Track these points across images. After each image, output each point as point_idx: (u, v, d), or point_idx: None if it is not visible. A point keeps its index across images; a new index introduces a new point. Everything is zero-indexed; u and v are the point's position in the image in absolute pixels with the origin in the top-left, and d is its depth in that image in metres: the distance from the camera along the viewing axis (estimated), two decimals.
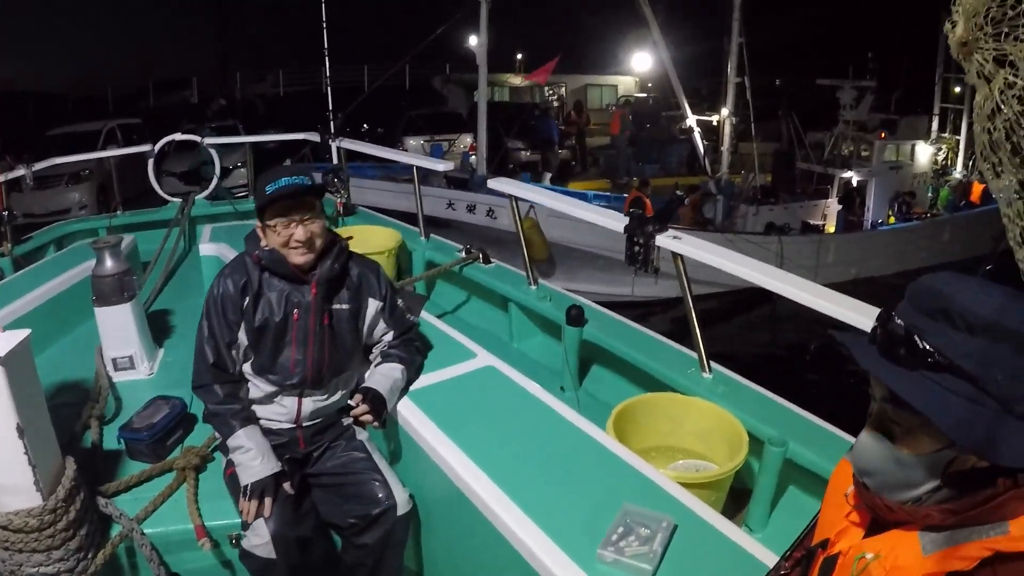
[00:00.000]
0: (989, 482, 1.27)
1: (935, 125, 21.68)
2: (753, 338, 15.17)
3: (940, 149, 21.48)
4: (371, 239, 5.69)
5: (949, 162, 21.89)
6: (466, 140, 20.93)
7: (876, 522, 1.44)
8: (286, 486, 3.05)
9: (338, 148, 7.35)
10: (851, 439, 3.36)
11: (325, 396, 3.25)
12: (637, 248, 4.04)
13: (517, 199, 5.27)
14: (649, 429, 3.74)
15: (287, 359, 3.14)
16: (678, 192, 16.55)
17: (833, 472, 1.66)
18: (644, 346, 4.32)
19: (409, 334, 3.49)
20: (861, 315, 3.03)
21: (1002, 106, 1.04)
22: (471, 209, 14.46)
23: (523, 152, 20.71)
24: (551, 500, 2.74)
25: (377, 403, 3.16)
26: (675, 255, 3.90)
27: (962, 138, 21.63)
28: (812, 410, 3.71)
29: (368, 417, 3.13)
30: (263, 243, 3.13)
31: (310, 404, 3.22)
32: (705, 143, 18.84)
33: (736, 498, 3.68)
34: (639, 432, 3.70)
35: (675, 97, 18.37)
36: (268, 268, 3.12)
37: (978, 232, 18.49)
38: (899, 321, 1.29)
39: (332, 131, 7.85)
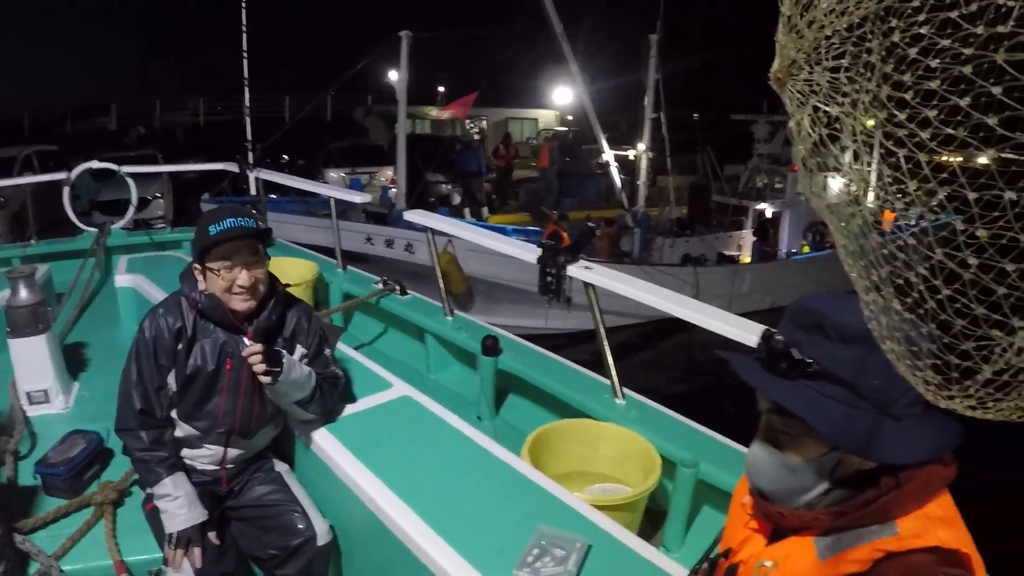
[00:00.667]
0: (873, 483, 1.36)
1: (848, 157, 22.12)
2: (666, 366, 15.38)
3: (851, 180, 21.81)
4: (289, 271, 5.67)
5: (860, 192, 22.26)
6: (387, 173, 20.88)
7: (776, 530, 1.51)
8: (211, 536, 3.00)
9: (256, 179, 7.31)
10: None
11: (251, 442, 3.22)
12: (549, 279, 4.12)
13: (433, 231, 5.31)
14: (564, 455, 3.79)
15: (215, 407, 3.06)
16: (589, 224, 16.75)
17: (736, 485, 1.74)
18: (558, 374, 4.39)
19: (330, 381, 3.39)
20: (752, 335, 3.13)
21: (810, 131, 1.15)
22: (389, 244, 14.40)
23: (443, 185, 20.71)
24: (468, 525, 2.76)
25: (275, 359, 2.92)
26: (586, 285, 3.98)
27: (872, 169, 22.01)
28: (723, 432, 3.80)
29: (260, 363, 2.85)
30: (200, 286, 3.00)
31: (235, 450, 3.18)
32: (622, 177, 18.96)
33: (653, 520, 3.75)
34: (554, 458, 3.74)
35: (593, 131, 18.55)
36: (204, 314, 3.00)
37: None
38: (779, 337, 1.39)
39: (251, 162, 7.81)
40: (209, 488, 3.15)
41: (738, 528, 1.62)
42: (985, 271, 0.99)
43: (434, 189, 20.08)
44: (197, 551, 2.91)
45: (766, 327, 1.48)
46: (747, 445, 3.56)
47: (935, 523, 1.33)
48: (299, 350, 3.22)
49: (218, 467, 3.18)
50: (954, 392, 1.06)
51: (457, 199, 19.77)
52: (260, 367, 2.87)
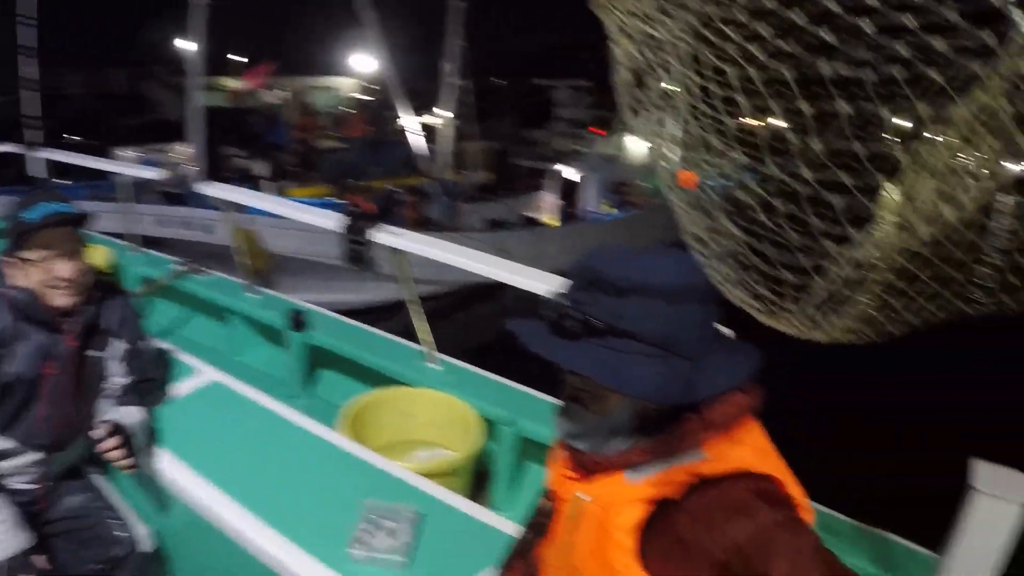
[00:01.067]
0: (676, 418, 1.37)
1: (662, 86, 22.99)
2: (480, 331, 15.48)
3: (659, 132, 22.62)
4: None
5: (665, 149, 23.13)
6: (182, 150, 19.91)
7: (587, 472, 1.51)
8: (39, 560, 2.71)
9: (47, 161, 6.73)
10: None
11: (71, 452, 2.90)
12: (356, 247, 4.00)
13: (230, 205, 5.06)
14: (383, 425, 3.72)
15: (33, 417, 2.76)
16: (394, 189, 16.59)
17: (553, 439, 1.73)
18: (370, 344, 4.30)
19: (147, 384, 3.13)
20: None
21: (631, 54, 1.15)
22: (187, 225, 13.73)
23: (243, 160, 19.95)
24: (295, 509, 2.65)
25: (126, 439, 2.75)
26: (394, 251, 3.91)
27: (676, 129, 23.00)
28: (541, 389, 3.83)
29: (118, 454, 2.69)
30: (10, 280, 2.69)
31: (55, 464, 2.87)
32: (427, 144, 18.90)
33: (481, 481, 3.75)
34: (373, 430, 3.67)
35: (395, 99, 18.34)
36: (20, 312, 2.68)
37: None
38: (557, 299, 1.39)
39: (28, 141, 7.20)
40: (28, 509, 2.82)
41: (556, 475, 1.63)
42: None
43: (233, 164, 19.31)
44: None
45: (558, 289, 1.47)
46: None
47: (742, 448, 1.36)
48: (118, 345, 2.95)
49: (36, 485, 2.86)
50: (788, 308, 1.07)
51: (264, 171, 19.07)
52: (125, 462, 2.71)
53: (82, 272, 2.73)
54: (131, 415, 2.89)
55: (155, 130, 21.38)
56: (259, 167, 19.45)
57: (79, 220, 2.73)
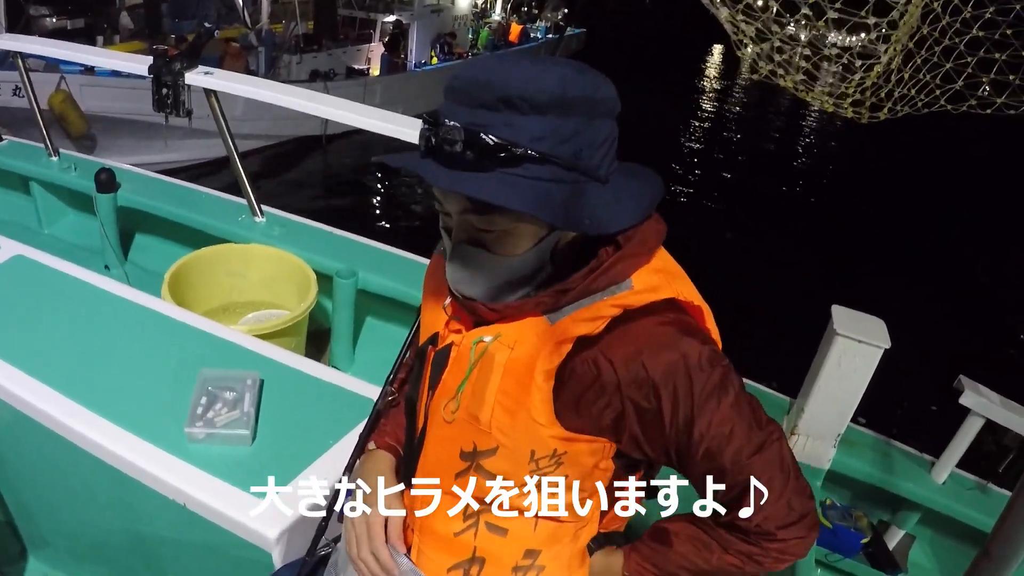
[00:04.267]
0: (591, 253, 1.21)
1: None
2: (306, 184, 15.15)
3: None
4: None
5: (488, 5, 23.90)
6: None
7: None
8: None
9: None
10: (420, 259, 3.37)
11: None
12: (166, 90, 3.59)
13: (23, 56, 4.45)
14: (210, 288, 3.46)
15: None
16: (206, 25, 15.76)
17: (425, 274, 1.52)
18: (188, 201, 3.98)
19: None
20: (407, 128, 2.92)
21: None
22: None
23: (50, 19, 18.30)
24: (122, 391, 2.36)
25: None
26: (208, 92, 3.56)
27: None
28: (377, 239, 3.65)
29: None
30: None
31: None
32: None
33: (318, 340, 3.55)
34: (200, 294, 3.40)
35: None
36: None
37: None
38: (453, 123, 1.11)
39: None
40: None
41: (438, 321, 1.41)
42: None
43: (39, 24, 17.71)
44: None
45: (423, 114, 1.20)
46: (405, 248, 3.49)
47: (666, 276, 1.23)
48: None
49: None
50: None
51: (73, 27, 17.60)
52: None
53: None
54: None
55: None
56: (68, 24, 18.01)
57: None
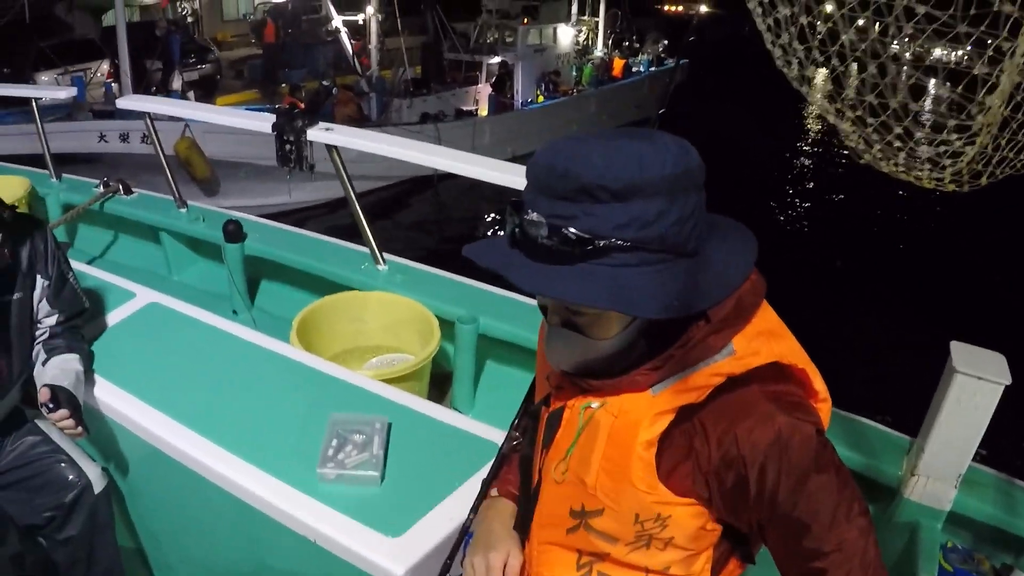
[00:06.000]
0: (683, 327, 1.20)
1: (575, 8, 23.33)
2: (422, 225, 15.38)
3: (581, 31, 23.22)
4: None
5: (590, 42, 23.89)
6: (104, 68, 19.07)
7: None
8: None
9: None
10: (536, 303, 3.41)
11: (6, 404, 2.67)
12: (288, 146, 3.77)
13: (152, 117, 4.73)
14: (334, 334, 3.56)
15: None
16: (324, 83, 16.24)
17: (539, 333, 1.53)
18: (312, 250, 4.11)
19: (76, 320, 2.85)
20: (517, 176, 2.98)
21: None
22: (124, 138, 13.20)
23: (159, 72, 19.20)
24: (254, 431, 2.47)
25: (74, 405, 2.49)
26: (329, 147, 3.69)
27: (600, 19, 24.07)
28: (495, 284, 3.66)
29: (70, 423, 2.44)
30: None
31: None
32: (353, 42, 18.58)
33: (439, 383, 3.61)
34: (325, 339, 3.51)
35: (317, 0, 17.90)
36: None
37: (622, 102, 21.62)
38: (536, 217, 1.13)
39: None
40: None
41: (555, 385, 1.44)
42: None
43: (155, 77, 18.61)
44: None
45: (510, 200, 1.20)
46: (522, 293, 3.54)
47: (766, 338, 1.22)
48: (40, 283, 2.69)
49: None
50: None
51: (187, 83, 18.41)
52: (78, 430, 2.44)
53: None
54: (68, 370, 2.64)
55: (73, 50, 20.40)
56: (183, 79, 18.84)
57: None
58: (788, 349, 1.23)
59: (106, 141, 13.20)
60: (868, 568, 1.17)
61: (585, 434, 1.31)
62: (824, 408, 1.27)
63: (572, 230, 1.10)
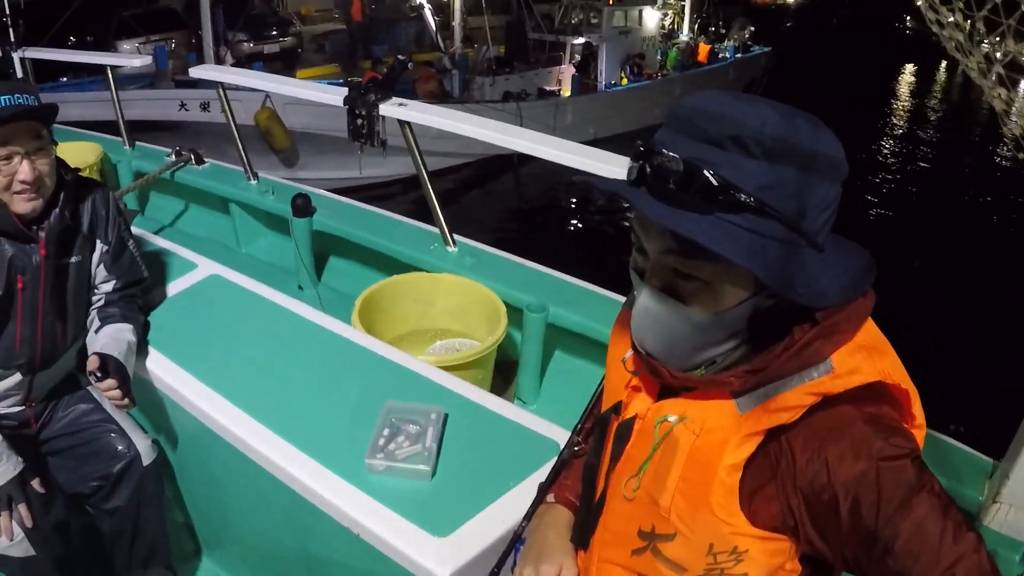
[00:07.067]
0: (785, 330, 1.08)
1: None
2: (496, 208, 15.31)
3: (666, 14, 22.99)
4: (66, 156, 4.86)
5: (676, 26, 23.82)
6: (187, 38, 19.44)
7: (667, 387, 1.23)
8: (35, 484, 2.47)
9: (22, 60, 6.24)
10: (613, 295, 3.30)
11: (56, 369, 2.65)
12: (360, 121, 3.68)
13: (224, 87, 4.70)
14: (399, 315, 3.48)
15: (11, 336, 2.48)
16: (399, 58, 16.29)
17: (612, 332, 1.44)
18: (381, 228, 4.03)
19: (133, 289, 2.81)
20: (608, 164, 2.85)
21: None
22: (205, 107, 13.38)
23: (247, 44, 19.48)
24: (306, 415, 2.39)
25: (123, 375, 2.46)
26: (402, 123, 3.60)
27: (687, 3, 23.94)
28: (568, 271, 3.57)
29: (117, 393, 2.40)
30: None
31: (42, 382, 2.61)
32: (436, 19, 18.61)
33: (503, 372, 3.50)
34: (389, 320, 3.43)
35: None
36: None
37: (707, 87, 20.40)
38: (673, 155, 1.00)
39: (12, 40, 6.68)
40: (18, 432, 2.59)
41: (621, 384, 1.33)
42: None
43: (238, 49, 18.88)
44: (23, 508, 2.39)
45: (638, 143, 1.07)
46: (596, 283, 3.43)
47: (869, 354, 1.08)
48: (99, 247, 2.66)
49: (23, 407, 2.62)
50: None
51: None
52: (124, 401, 2.41)
53: (46, 173, 2.41)
54: (120, 340, 2.60)
55: (157, 20, 20.85)
56: (264, 49, 19.12)
57: (41, 113, 2.38)
58: (892, 367, 1.09)
59: (187, 110, 13.42)
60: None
61: (662, 450, 1.18)
62: (919, 435, 1.13)
63: (715, 176, 0.98)
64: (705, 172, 0.98)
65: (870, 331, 1.12)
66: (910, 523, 1.01)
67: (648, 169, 1.03)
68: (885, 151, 21.38)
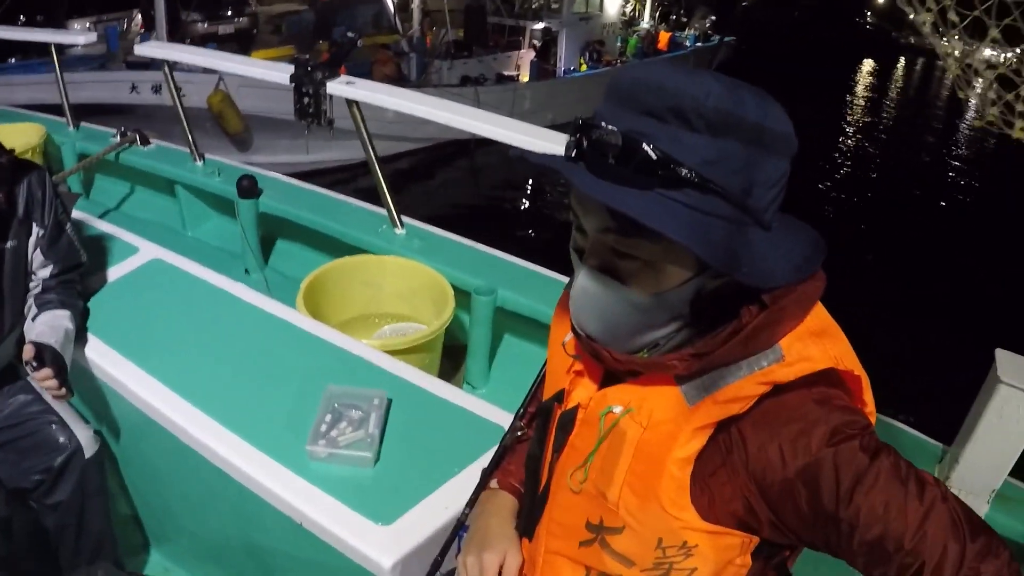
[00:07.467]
0: (732, 312, 1.05)
1: None
2: (447, 193, 15.27)
3: (628, 1, 22.94)
4: (7, 138, 4.73)
5: (637, 13, 23.74)
6: (139, 18, 19.09)
7: (610, 373, 1.19)
8: None
9: None
10: (563, 278, 3.27)
11: None
12: (307, 99, 3.60)
13: (170, 65, 4.58)
14: (346, 299, 3.44)
15: None
16: (349, 34, 16.13)
17: (553, 314, 1.41)
18: (328, 210, 3.99)
19: (72, 274, 2.73)
20: (559, 144, 2.79)
21: None
22: (156, 90, 13.11)
23: (202, 24, 19.19)
24: (248, 403, 2.34)
25: (59, 365, 2.39)
26: (350, 103, 3.53)
27: None
28: (519, 255, 3.55)
29: (53, 383, 2.34)
30: None
31: None
32: (395, 1, 18.41)
33: (453, 357, 3.47)
34: (336, 304, 3.39)
35: None
36: None
37: None
38: (610, 127, 0.96)
39: None
40: None
41: (563, 369, 1.29)
42: None
43: (192, 29, 18.59)
44: None
45: (578, 118, 1.02)
46: (545, 267, 3.40)
47: (817, 338, 1.06)
48: (35, 231, 2.58)
49: None
50: None
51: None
52: (62, 391, 2.33)
53: None
54: (57, 327, 2.52)
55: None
56: (219, 29, 18.86)
57: None
58: (843, 353, 1.06)
59: (138, 93, 13.13)
60: (963, 530, 0.98)
61: (608, 443, 1.15)
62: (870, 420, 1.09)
63: (654, 150, 0.94)
64: (644, 146, 0.94)
65: (820, 315, 1.09)
66: (872, 495, 0.98)
67: (585, 143, 0.98)
68: (842, 144, 21.59)
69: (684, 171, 0.94)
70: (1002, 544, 0.99)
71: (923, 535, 0.96)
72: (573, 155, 1.00)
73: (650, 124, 0.96)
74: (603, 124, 0.97)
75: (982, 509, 2.62)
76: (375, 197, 3.84)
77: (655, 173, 0.94)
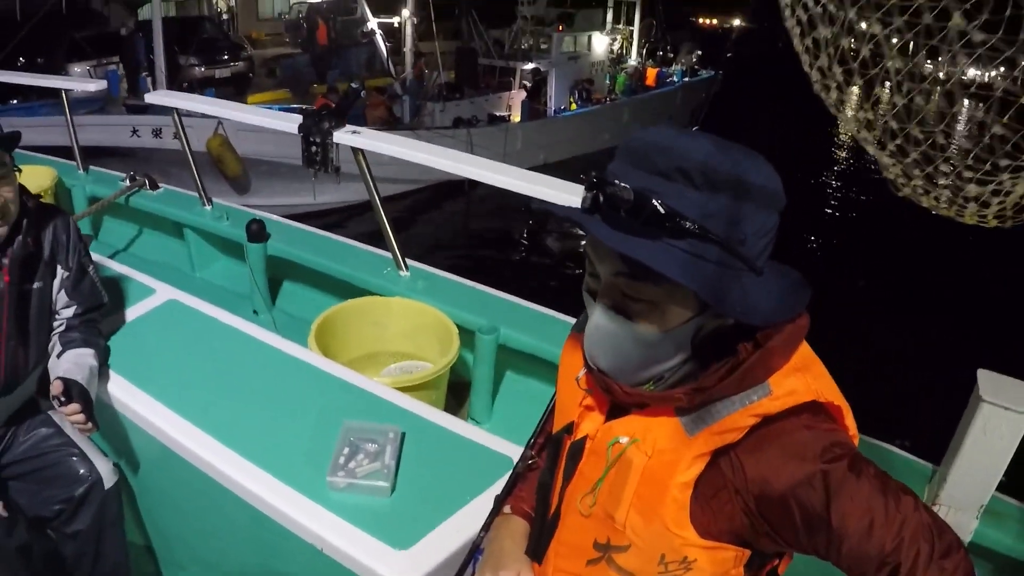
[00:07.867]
0: (729, 351, 1.18)
1: (609, 17, 23.45)
2: (447, 233, 15.36)
3: (615, 39, 23.35)
4: (21, 182, 4.84)
5: (624, 51, 24.14)
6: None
7: (616, 405, 1.32)
8: None
9: None
10: (561, 316, 3.39)
11: (18, 393, 2.67)
12: (315, 148, 3.75)
13: (180, 113, 4.74)
14: (354, 338, 3.53)
15: None
16: (353, 86, 16.28)
17: (562, 352, 1.52)
18: (334, 253, 4.09)
19: (94, 313, 2.85)
20: (560, 192, 2.94)
21: None
22: (157, 134, 13.21)
23: (199, 68, 19.33)
24: (266, 436, 2.44)
25: (86, 400, 2.49)
26: (355, 151, 3.67)
27: (635, 28, 24.33)
28: (517, 294, 3.66)
29: (80, 417, 2.42)
30: None
31: (4, 407, 2.63)
32: (387, 45, 18.73)
33: (457, 392, 3.58)
34: (344, 343, 3.48)
35: (352, 1, 17.97)
36: None
37: (655, 111, 21.79)
38: (625, 184, 1.10)
39: None
40: None
41: (574, 402, 1.41)
42: None
43: (190, 73, 18.72)
44: None
45: (593, 174, 1.17)
46: (546, 305, 3.52)
47: (801, 374, 1.19)
48: (60, 273, 2.70)
49: None
50: None
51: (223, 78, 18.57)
52: (88, 425, 2.43)
53: (10, 199, 2.46)
54: (82, 365, 2.63)
55: (109, 43, 20.51)
56: (216, 73, 18.96)
57: (4, 141, 2.44)
58: (824, 387, 1.20)
59: (139, 136, 13.23)
60: (932, 533, 1.12)
61: (616, 470, 1.27)
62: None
63: (662, 204, 1.08)
64: (653, 201, 1.07)
65: (802, 353, 1.22)
66: (855, 507, 1.11)
67: (601, 198, 1.12)
68: (830, 173, 21.77)
69: (687, 223, 1.07)
70: (959, 542, 1.13)
71: (900, 540, 1.10)
72: (589, 207, 1.14)
73: (657, 182, 1.10)
74: (616, 181, 1.11)
75: (972, 524, 2.72)
76: (377, 237, 3.97)
77: (663, 225, 1.08)
